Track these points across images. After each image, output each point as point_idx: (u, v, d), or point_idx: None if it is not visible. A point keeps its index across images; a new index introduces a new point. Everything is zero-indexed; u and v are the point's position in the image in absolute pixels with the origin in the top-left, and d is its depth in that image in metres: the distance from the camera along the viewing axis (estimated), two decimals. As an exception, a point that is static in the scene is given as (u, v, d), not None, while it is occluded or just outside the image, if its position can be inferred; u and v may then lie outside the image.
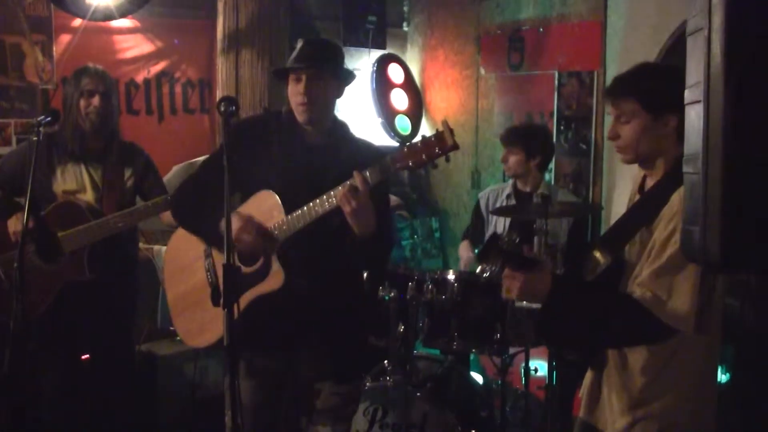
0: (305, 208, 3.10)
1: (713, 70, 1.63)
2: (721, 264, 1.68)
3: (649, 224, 2.57)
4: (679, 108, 2.35)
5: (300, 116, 3.25)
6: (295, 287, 3.19)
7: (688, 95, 1.80)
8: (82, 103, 4.06)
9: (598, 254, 2.72)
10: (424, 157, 2.90)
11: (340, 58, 3.36)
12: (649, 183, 2.69)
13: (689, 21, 1.79)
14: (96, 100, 4.07)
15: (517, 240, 2.62)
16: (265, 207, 3.22)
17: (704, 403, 2.71)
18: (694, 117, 1.75)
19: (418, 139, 2.94)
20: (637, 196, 2.76)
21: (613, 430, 2.74)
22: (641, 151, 2.61)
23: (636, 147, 2.60)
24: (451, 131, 2.86)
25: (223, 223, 3.02)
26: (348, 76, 3.37)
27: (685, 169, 1.82)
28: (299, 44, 3.30)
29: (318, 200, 3.07)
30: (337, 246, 3.13)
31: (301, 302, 3.23)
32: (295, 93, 3.23)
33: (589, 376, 2.94)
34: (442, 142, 2.87)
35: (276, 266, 3.21)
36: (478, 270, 4.39)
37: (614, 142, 2.66)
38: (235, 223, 3.08)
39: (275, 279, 3.20)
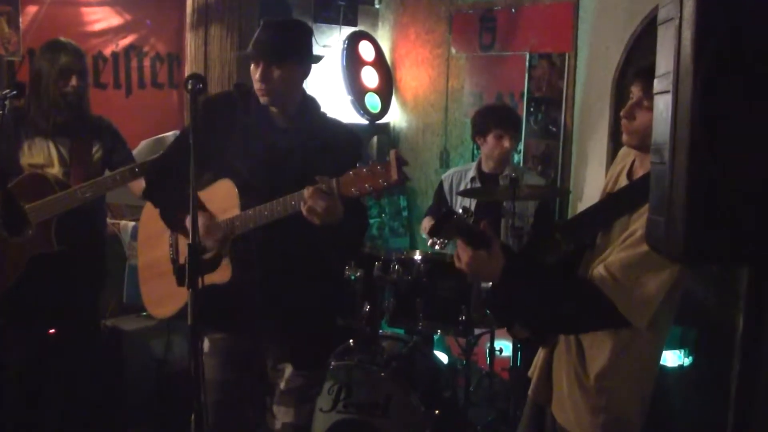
0: (258, 209, 3.06)
1: (683, 60, 1.62)
2: (684, 255, 1.69)
3: (630, 212, 2.56)
4: None
5: (260, 99, 3.20)
6: (246, 280, 3.18)
7: (657, 85, 1.80)
8: (60, 82, 4.00)
9: (559, 238, 2.72)
10: (368, 186, 2.77)
11: (302, 40, 3.27)
12: (639, 170, 2.68)
13: (660, 10, 1.78)
14: (74, 80, 4.01)
15: (472, 218, 2.59)
16: (222, 198, 3.19)
17: (647, 391, 2.72)
18: (662, 107, 1.75)
19: (365, 165, 2.79)
20: (625, 181, 2.74)
21: (563, 416, 2.75)
22: (648, 140, 2.56)
23: (646, 135, 2.50)
24: (400, 163, 2.70)
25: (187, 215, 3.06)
26: (312, 58, 3.31)
27: (652, 159, 1.82)
28: (259, 28, 3.23)
29: (269, 205, 3.02)
30: (296, 237, 3.08)
31: (256, 292, 3.22)
32: (253, 77, 3.18)
33: (540, 356, 2.96)
34: (388, 175, 2.73)
35: (225, 260, 3.18)
36: (428, 243, 4.38)
37: (627, 121, 2.61)
38: (201, 221, 3.09)
39: (223, 273, 3.18)
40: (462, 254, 2.53)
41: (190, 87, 2.77)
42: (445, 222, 2.49)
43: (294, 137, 3.23)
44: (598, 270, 2.50)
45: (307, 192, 2.86)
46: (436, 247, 4.26)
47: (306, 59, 3.27)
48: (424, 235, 5.27)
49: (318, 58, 3.34)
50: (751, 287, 1.83)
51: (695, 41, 1.59)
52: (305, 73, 3.29)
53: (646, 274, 2.43)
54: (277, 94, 3.18)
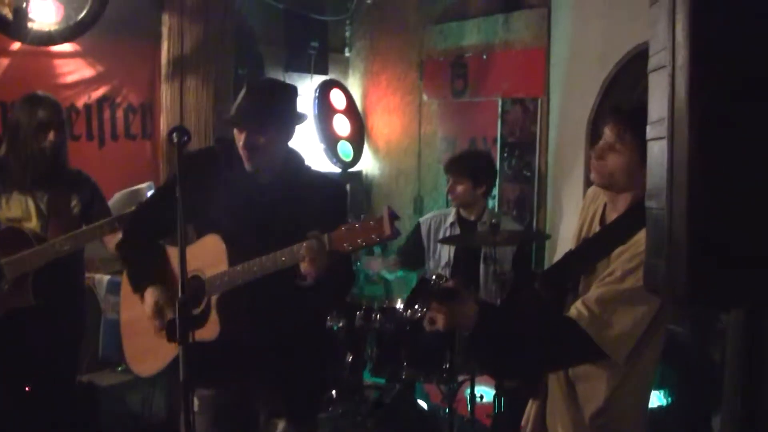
0: (247, 265, 3.03)
1: (677, 107, 1.64)
2: (688, 297, 1.69)
3: (608, 255, 2.57)
4: None
5: (245, 164, 3.20)
6: (235, 335, 3.14)
7: (650, 131, 1.81)
8: (39, 135, 3.97)
9: (539, 287, 2.73)
10: (360, 242, 2.76)
11: (287, 106, 3.25)
12: (611, 214, 2.70)
13: (651, 58, 1.80)
14: (52, 135, 3.98)
15: (448, 281, 2.60)
16: (211, 253, 3.16)
17: (641, 429, 2.73)
18: (657, 153, 1.76)
19: (358, 221, 2.79)
20: (597, 227, 2.76)
21: None
22: (618, 181, 2.59)
23: (615, 177, 2.58)
24: (392, 218, 2.70)
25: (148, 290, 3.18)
26: (297, 119, 3.30)
27: (648, 204, 1.83)
28: (242, 92, 3.23)
29: (258, 261, 3.00)
30: (285, 292, 3.05)
31: (246, 347, 3.17)
32: (238, 141, 3.18)
33: (532, 406, 2.95)
34: (381, 230, 2.71)
35: (213, 316, 3.15)
36: (408, 313, 4.37)
37: (597, 161, 2.61)
38: (151, 298, 3.20)
39: (211, 329, 3.14)
40: (438, 314, 2.53)
41: (175, 140, 2.75)
42: (420, 291, 2.52)
43: (279, 192, 3.22)
44: (575, 306, 2.51)
45: (303, 250, 2.84)
46: (417, 315, 4.26)
47: (291, 123, 3.27)
48: (370, 272, 5.22)
49: (302, 118, 3.33)
50: (747, 328, 1.84)
51: (690, 88, 1.61)
52: (290, 135, 3.29)
53: (622, 308, 2.44)
54: (262, 159, 3.18)
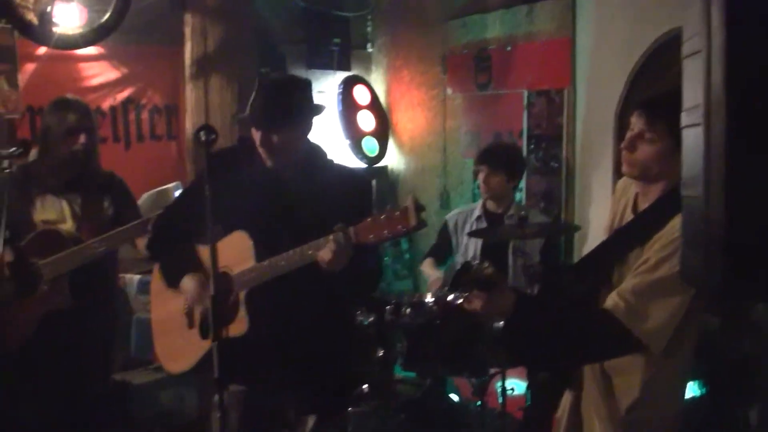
0: (274, 260, 3.05)
1: (714, 93, 1.61)
2: (723, 290, 1.66)
3: (642, 245, 2.55)
4: None
5: (266, 161, 3.21)
6: (264, 331, 3.15)
7: (685, 118, 1.79)
8: (69, 140, 3.97)
9: (572, 279, 2.72)
10: (386, 233, 2.74)
11: (300, 101, 3.24)
12: (643, 203, 2.68)
13: (685, 43, 1.77)
14: (83, 138, 3.98)
15: (489, 268, 2.60)
16: (238, 250, 3.18)
17: (676, 421, 2.72)
18: (693, 140, 1.73)
19: (383, 212, 2.76)
20: (630, 216, 2.74)
21: None
22: (650, 171, 2.58)
23: (648, 167, 2.57)
24: (418, 208, 2.67)
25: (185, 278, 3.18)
26: (313, 112, 3.30)
27: (684, 192, 1.80)
28: (255, 90, 3.23)
29: (285, 255, 3.02)
30: (313, 285, 3.06)
31: (274, 343, 3.19)
32: (256, 140, 3.19)
33: (567, 398, 2.93)
34: (406, 221, 2.68)
35: (242, 312, 3.16)
36: (450, 298, 4.34)
37: (627, 153, 2.61)
38: (194, 287, 3.20)
39: (239, 325, 3.15)
40: (476, 300, 2.57)
41: (203, 138, 2.75)
42: (465, 275, 2.54)
43: (302, 187, 3.23)
44: (611, 297, 2.51)
45: (329, 243, 2.85)
46: (459, 301, 4.24)
47: (306, 118, 3.27)
48: (426, 277, 5.21)
49: (319, 110, 3.33)
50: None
51: (727, 73, 1.58)
52: (309, 129, 3.29)
53: (658, 298, 2.43)
54: (282, 156, 3.19)
